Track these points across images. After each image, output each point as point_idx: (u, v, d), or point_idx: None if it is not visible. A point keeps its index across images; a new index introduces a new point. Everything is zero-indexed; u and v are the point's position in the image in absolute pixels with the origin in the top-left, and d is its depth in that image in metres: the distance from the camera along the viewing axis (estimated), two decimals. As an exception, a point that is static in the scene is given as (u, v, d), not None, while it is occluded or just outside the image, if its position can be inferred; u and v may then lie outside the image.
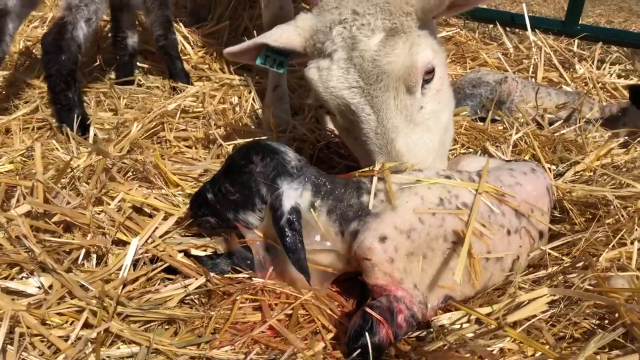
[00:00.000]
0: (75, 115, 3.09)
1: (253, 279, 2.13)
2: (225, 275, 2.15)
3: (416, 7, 2.13)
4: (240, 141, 3.05)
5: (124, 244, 2.21)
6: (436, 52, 2.21)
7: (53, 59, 3.09)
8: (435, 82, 2.22)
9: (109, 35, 4.21)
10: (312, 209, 2.02)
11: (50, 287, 1.95)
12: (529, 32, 4.57)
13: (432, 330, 1.90)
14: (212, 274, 2.09)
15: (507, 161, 2.56)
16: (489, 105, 3.51)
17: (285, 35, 2.28)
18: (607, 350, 1.72)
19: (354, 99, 2.14)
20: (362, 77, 2.11)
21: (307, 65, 2.25)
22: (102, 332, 1.73)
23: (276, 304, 2.05)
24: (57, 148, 2.85)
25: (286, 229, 1.94)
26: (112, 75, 4.04)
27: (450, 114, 2.36)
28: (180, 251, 2.24)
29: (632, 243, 2.09)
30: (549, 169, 2.77)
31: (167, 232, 2.31)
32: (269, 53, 2.35)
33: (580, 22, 4.68)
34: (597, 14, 8.71)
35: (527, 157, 2.90)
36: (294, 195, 2.01)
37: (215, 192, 2.20)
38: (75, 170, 2.50)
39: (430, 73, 2.16)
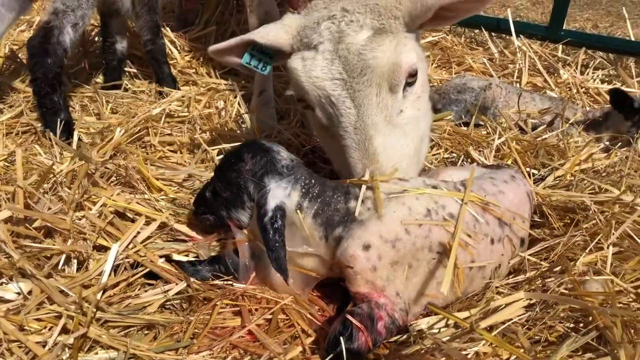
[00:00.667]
0: (60, 120, 3.09)
1: (234, 284, 2.14)
2: (207, 281, 2.16)
3: (404, 12, 2.16)
4: (225, 146, 3.06)
5: (106, 249, 2.21)
6: (420, 58, 2.24)
7: (39, 63, 3.10)
8: (417, 87, 2.25)
9: (97, 39, 4.21)
10: (298, 210, 2.02)
11: (30, 292, 1.95)
12: (514, 37, 4.61)
13: (410, 334, 1.91)
14: (192, 279, 2.10)
15: (488, 166, 2.58)
16: (474, 110, 3.54)
17: (273, 32, 2.28)
18: (580, 353, 1.74)
19: (336, 90, 2.15)
20: (346, 70, 2.13)
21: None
22: (79, 338, 1.73)
23: (256, 309, 2.06)
24: (40, 153, 2.85)
25: (268, 227, 1.95)
26: (99, 80, 4.04)
27: (428, 124, 2.39)
28: (161, 256, 2.25)
29: (607, 247, 2.11)
30: (531, 174, 2.80)
31: (149, 237, 2.32)
32: (254, 52, 2.35)
33: (565, 27, 4.72)
34: (585, 18, 8.78)
35: (509, 162, 2.92)
36: (281, 194, 2.02)
37: (211, 190, 2.25)
38: (57, 176, 2.50)
39: (413, 76, 2.18)
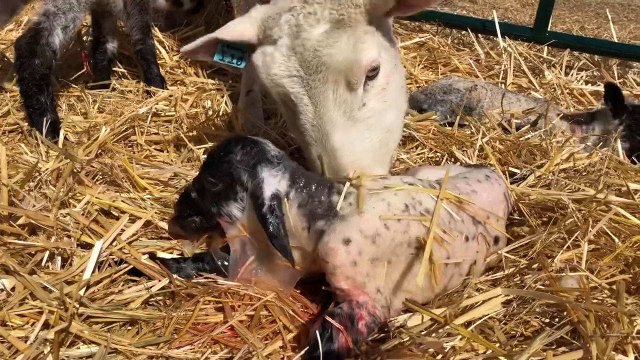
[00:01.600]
0: (46, 120, 3.10)
1: (218, 281, 2.16)
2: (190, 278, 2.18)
3: (366, 0, 2.10)
4: (211, 145, 3.08)
5: (90, 246, 2.22)
6: (386, 49, 2.21)
7: (26, 63, 3.10)
8: (380, 80, 2.20)
9: (88, 39, 4.23)
10: (285, 199, 2.05)
11: (13, 289, 1.96)
12: (499, 38, 4.66)
13: (389, 330, 1.94)
14: (175, 277, 2.12)
15: (469, 166, 2.62)
16: (459, 111, 3.58)
17: (239, 27, 2.24)
18: (554, 347, 1.78)
19: (294, 87, 2.14)
20: (302, 66, 2.11)
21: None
22: (60, 332, 1.75)
23: (239, 306, 2.08)
24: (26, 152, 2.86)
25: (268, 216, 1.97)
26: (87, 79, 4.06)
27: (398, 115, 2.35)
28: (146, 254, 2.27)
29: (583, 245, 2.15)
30: (511, 173, 2.84)
31: (133, 235, 2.34)
32: (225, 49, 2.32)
33: (552, 29, 4.77)
34: (574, 20, 8.86)
35: (492, 162, 2.96)
36: (274, 182, 2.04)
37: (197, 189, 2.23)
38: (42, 174, 2.52)
39: (374, 70, 2.15)
